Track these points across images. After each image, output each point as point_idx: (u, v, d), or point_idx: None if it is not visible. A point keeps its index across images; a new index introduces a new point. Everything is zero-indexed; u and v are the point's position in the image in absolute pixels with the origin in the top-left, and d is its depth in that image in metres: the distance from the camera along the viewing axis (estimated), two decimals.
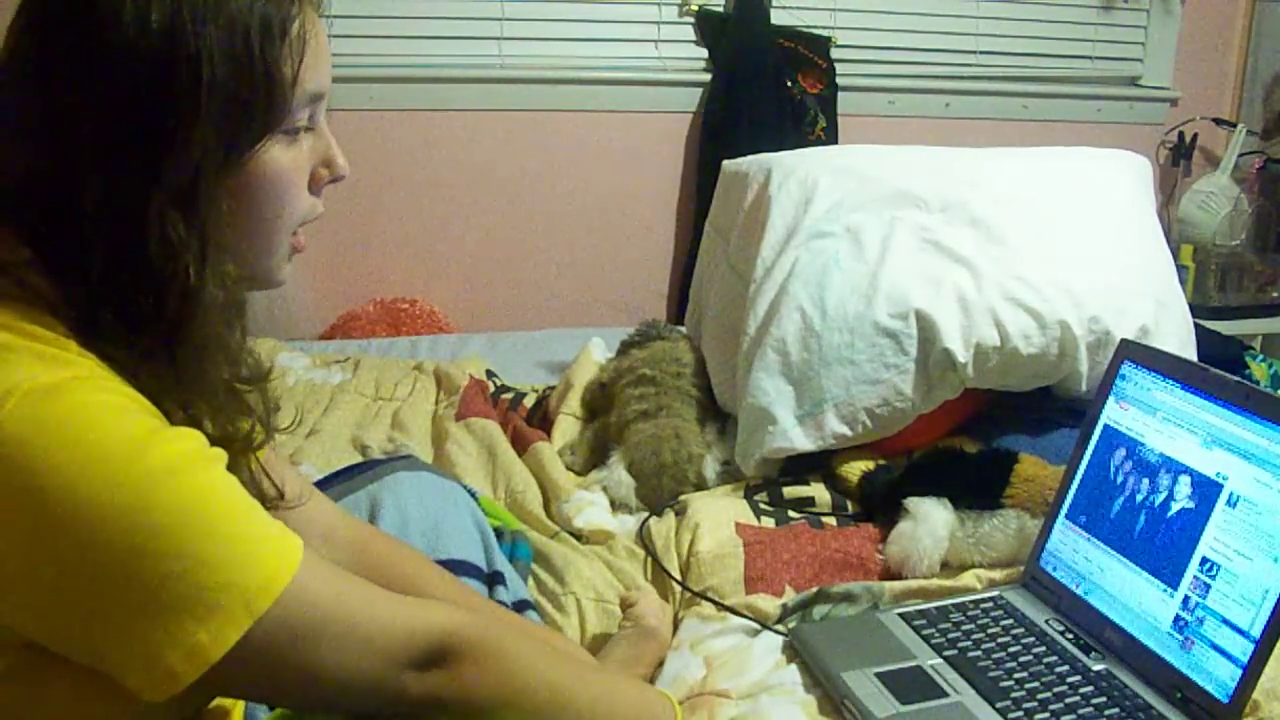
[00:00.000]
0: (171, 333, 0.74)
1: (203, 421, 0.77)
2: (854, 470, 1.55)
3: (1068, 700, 1.10)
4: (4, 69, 0.74)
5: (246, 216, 0.77)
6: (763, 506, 1.51)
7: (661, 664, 1.20)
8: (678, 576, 1.36)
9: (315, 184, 0.84)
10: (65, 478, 0.66)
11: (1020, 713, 1.08)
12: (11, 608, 0.68)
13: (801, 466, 1.58)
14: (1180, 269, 1.97)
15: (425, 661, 0.79)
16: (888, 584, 1.33)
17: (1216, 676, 1.06)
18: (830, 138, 2.74)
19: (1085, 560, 1.25)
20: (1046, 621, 1.23)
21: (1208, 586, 1.10)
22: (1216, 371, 1.16)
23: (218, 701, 0.87)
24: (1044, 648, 1.18)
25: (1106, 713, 1.08)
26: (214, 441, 0.76)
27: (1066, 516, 1.29)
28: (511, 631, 0.87)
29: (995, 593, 1.30)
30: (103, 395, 0.70)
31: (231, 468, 0.77)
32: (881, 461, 1.57)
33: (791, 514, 1.50)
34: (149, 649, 0.68)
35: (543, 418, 1.83)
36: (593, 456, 1.66)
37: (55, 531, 0.66)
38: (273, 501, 0.92)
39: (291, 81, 0.76)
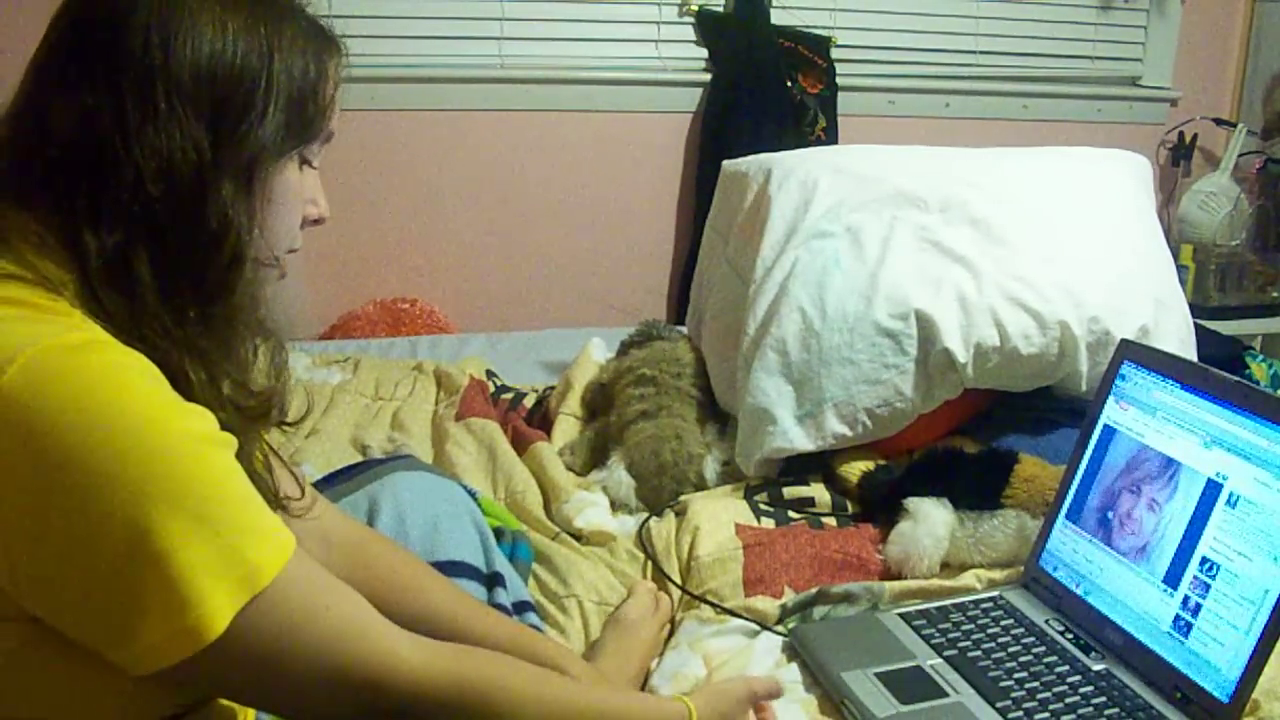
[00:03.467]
0: (212, 294, 0.78)
1: (222, 384, 0.79)
2: (854, 470, 1.55)
3: (1068, 700, 1.10)
4: (52, 44, 0.79)
5: (270, 215, 0.83)
6: (763, 507, 1.51)
7: (660, 657, 1.21)
8: (678, 580, 1.36)
9: (302, 220, 0.89)
10: (74, 440, 0.67)
11: (1020, 713, 1.08)
12: (11, 569, 0.69)
13: (801, 467, 1.58)
14: (1180, 269, 1.98)
15: (399, 711, 0.79)
16: (888, 584, 1.33)
17: (1216, 676, 1.06)
18: (830, 138, 2.74)
19: (1085, 560, 1.25)
20: (1046, 621, 1.23)
21: (1208, 586, 1.10)
22: (1216, 371, 1.16)
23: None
24: (1044, 648, 1.18)
25: (1106, 713, 1.08)
26: (228, 405, 0.79)
27: (1066, 516, 1.29)
28: (498, 669, 0.88)
29: (995, 593, 1.30)
30: (123, 357, 0.72)
31: (241, 458, 0.77)
32: (881, 461, 1.57)
33: (791, 514, 1.50)
34: (137, 625, 0.68)
35: (543, 418, 1.83)
36: (593, 457, 1.66)
37: (60, 494, 0.67)
38: (286, 500, 0.92)
39: (329, 102, 0.85)
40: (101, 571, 0.68)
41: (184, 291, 0.77)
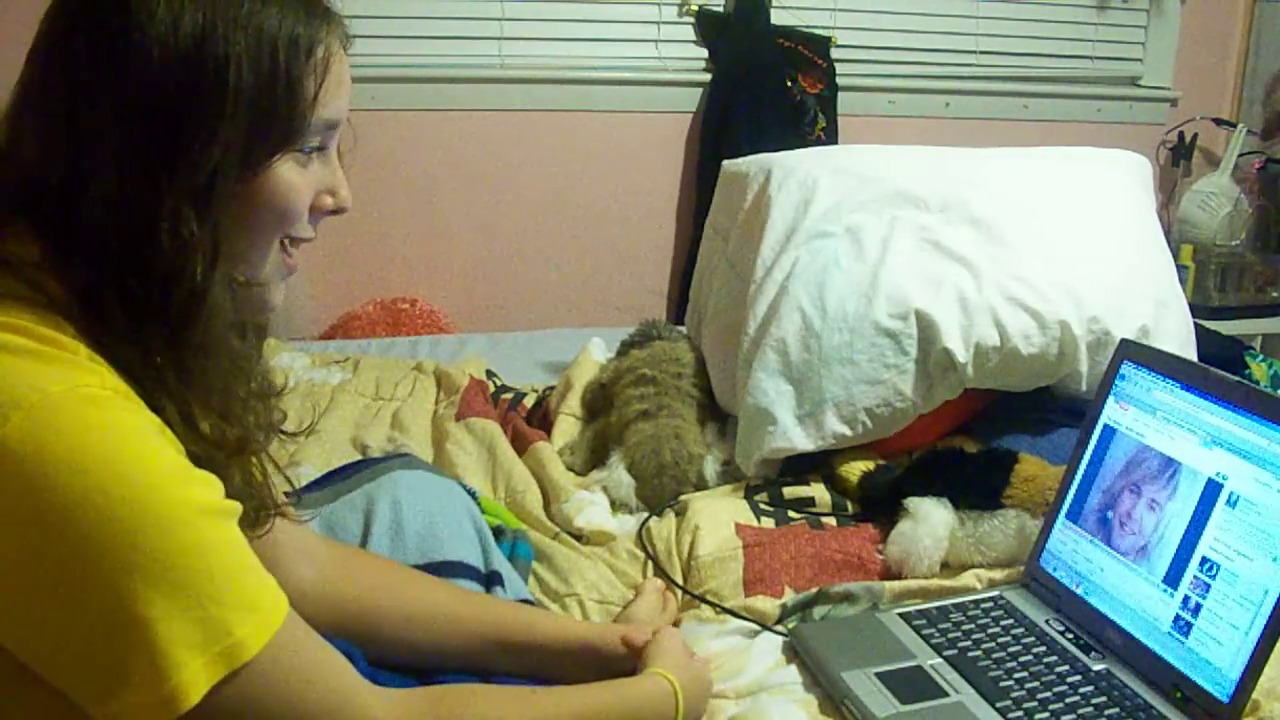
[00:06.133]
0: (176, 330, 0.74)
1: (199, 422, 0.77)
2: (854, 470, 1.55)
3: (1068, 700, 1.10)
4: (31, 58, 0.76)
5: (249, 228, 0.79)
6: (763, 507, 1.51)
7: None
8: (678, 579, 1.36)
9: (316, 211, 0.85)
10: (69, 500, 0.66)
11: (1020, 712, 1.08)
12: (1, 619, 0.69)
13: (801, 466, 1.58)
14: (1180, 269, 1.98)
15: None
16: (888, 584, 1.33)
17: (1216, 676, 1.06)
18: (830, 138, 2.74)
19: (1085, 560, 1.25)
20: (1046, 621, 1.23)
21: (1208, 586, 1.10)
22: (1216, 371, 1.16)
23: None
24: (1044, 648, 1.18)
25: (1106, 713, 1.08)
26: (208, 442, 0.77)
27: (1066, 516, 1.29)
28: (474, 706, 0.89)
29: (995, 593, 1.30)
30: (130, 417, 0.70)
31: (230, 489, 0.77)
32: (881, 461, 1.57)
33: (791, 514, 1.49)
34: (113, 688, 0.68)
35: (543, 418, 1.83)
36: (593, 456, 1.66)
37: (51, 552, 0.66)
38: (280, 506, 0.92)
39: (311, 101, 0.78)
40: (84, 633, 0.68)
41: (150, 328, 0.74)
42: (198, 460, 0.75)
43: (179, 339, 0.75)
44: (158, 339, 0.74)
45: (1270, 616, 1.03)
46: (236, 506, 0.76)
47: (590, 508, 1.49)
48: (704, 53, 2.72)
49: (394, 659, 0.99)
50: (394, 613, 1.03)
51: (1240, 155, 2.97)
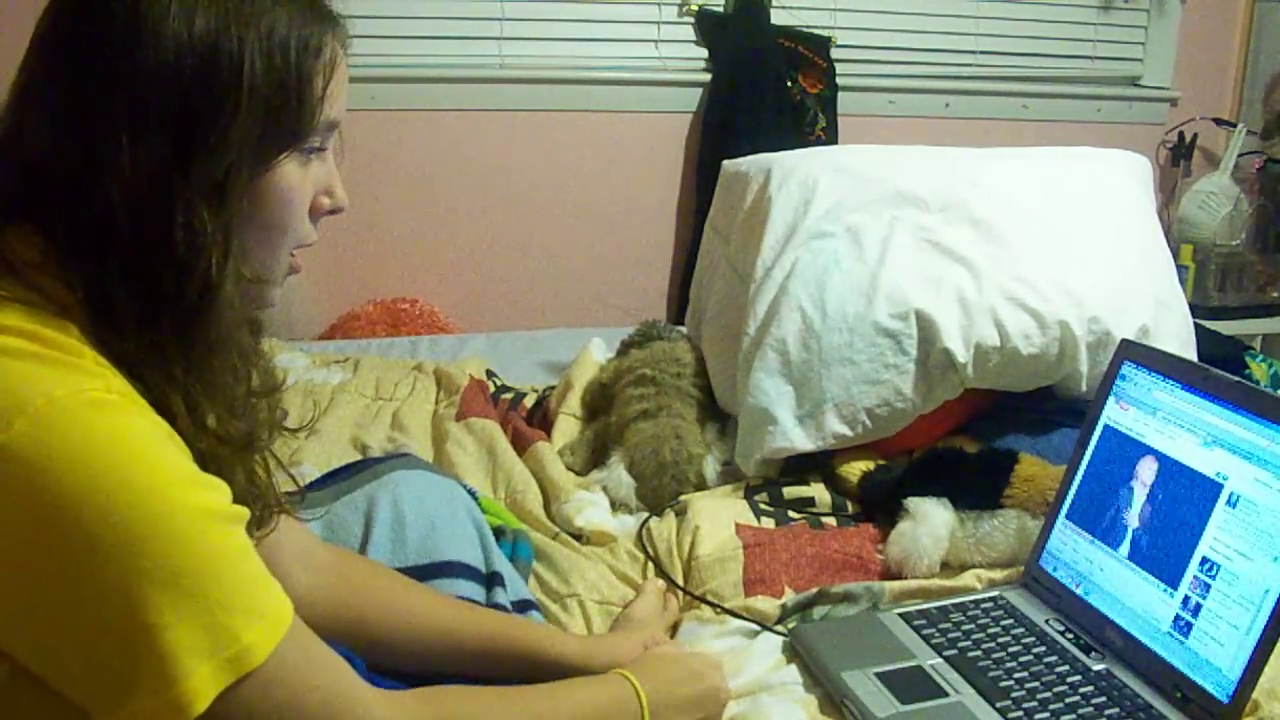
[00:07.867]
0: (187, 325, 0.75)
1: (206, 417, 0.77)
2: (854, 470, 1.55)
3: (1068, 700, 1.10)
4: (33, 56, 0.76)
5: (257, 226, 0.79)
6: (763, 507, 1.51)
7: None
8: (679, 580, 1.36)
9: (315, 212, 0.85)
10: (76, 505, 0.66)
11: (1020, 712, 1.08)
12: (6, 620, 0.69)
13: (801, 466, 1.58)
14: (1180, 269, 1.98)
15: None
16: (888, 584, 1.33)
17: (1216, 676, 1.06)
18: (830, 138, 2.74)
19: (1085, 560, 1.25)
20: (1046, 621, 1.23)
21: (1208, 586, 1.10)
22: (1216, 371, 1.16)
23: None
24: (1044, 648, 1.18)
25: (1106, 713, 1.08)
26: (214, 437, 0.77)
27: (1066, 516, 1.29)
28: (461, 705, 0.90)
29: (995, 593, 1.30)
30: (136, 421, 0.70)
31: (235, 489, 0.77)
32: (881, 461, 1.57)
33: (791, 514, 1.50)
34: (121, 694, 0.68)
35: (543, 418, 1.83)
36: (593, 457, 1.66)
37: (58, 558, 0.66)
38: (284, 505, 0.92)
39: (320, 99, 0.79)
40: (92, 638, 0.68)
41: (161, 323, 0.74)
42: (204, 459, 0.75)
43: (190, 333, 0.75)
44: (168, 333, 0.74)
45: (1270, 616, 1.03)
46: (244, 511, 0.76)
47: (590, 508, 1.49)
48: (704, 53, 2.72)
49: (389, 665, 1.00)
50: (388, 621, 1.03)
51: (1240, 155, 2.97)
